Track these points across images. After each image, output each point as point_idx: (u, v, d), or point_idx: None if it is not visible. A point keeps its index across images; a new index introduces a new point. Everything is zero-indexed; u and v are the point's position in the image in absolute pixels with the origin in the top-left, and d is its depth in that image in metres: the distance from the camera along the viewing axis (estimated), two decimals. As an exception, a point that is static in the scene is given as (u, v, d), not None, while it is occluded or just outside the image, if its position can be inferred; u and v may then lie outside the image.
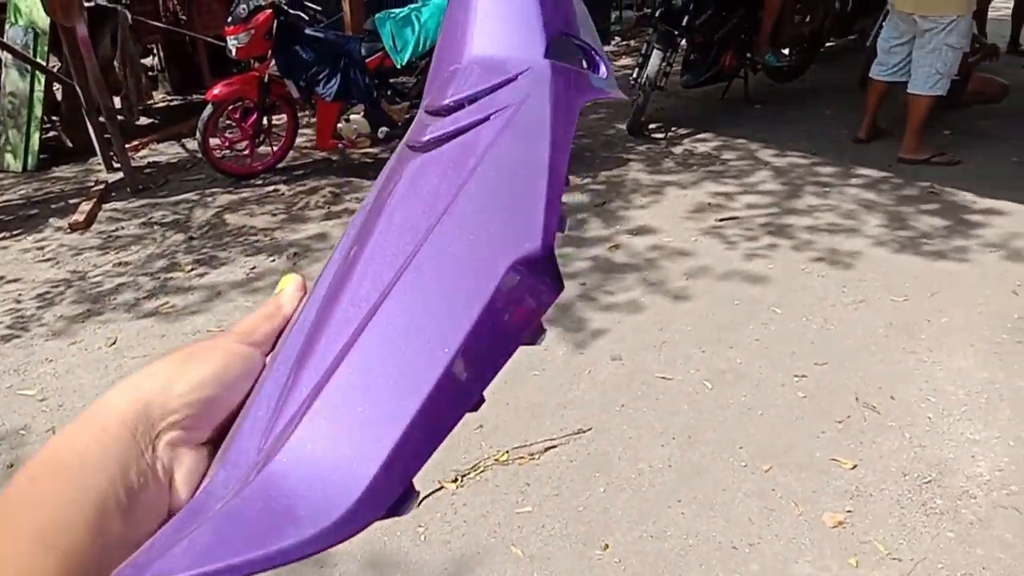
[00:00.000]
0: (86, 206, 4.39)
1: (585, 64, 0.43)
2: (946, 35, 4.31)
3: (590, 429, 2.45)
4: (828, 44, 6.62)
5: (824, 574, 1.91)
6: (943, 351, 2.77)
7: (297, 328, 0.37)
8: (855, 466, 2.25)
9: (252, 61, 4.58)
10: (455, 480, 2.25)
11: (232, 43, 4.35)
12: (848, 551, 1.98)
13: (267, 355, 0.39)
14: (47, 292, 3.52)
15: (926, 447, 2.32)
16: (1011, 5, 7.37)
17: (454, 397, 0.31)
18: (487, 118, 0.38)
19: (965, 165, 4.49)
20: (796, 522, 2.07)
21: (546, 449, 2.37)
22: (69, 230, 4.17)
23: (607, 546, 2.02)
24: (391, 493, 0.29)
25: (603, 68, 0.44)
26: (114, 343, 3.07)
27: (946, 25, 4.28)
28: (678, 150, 5.02)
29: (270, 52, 4.39)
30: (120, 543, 0.30)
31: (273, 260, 3.72)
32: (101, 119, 4.78)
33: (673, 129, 5.43)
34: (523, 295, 0.33)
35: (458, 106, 0.40)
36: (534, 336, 0.34)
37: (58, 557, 0.28)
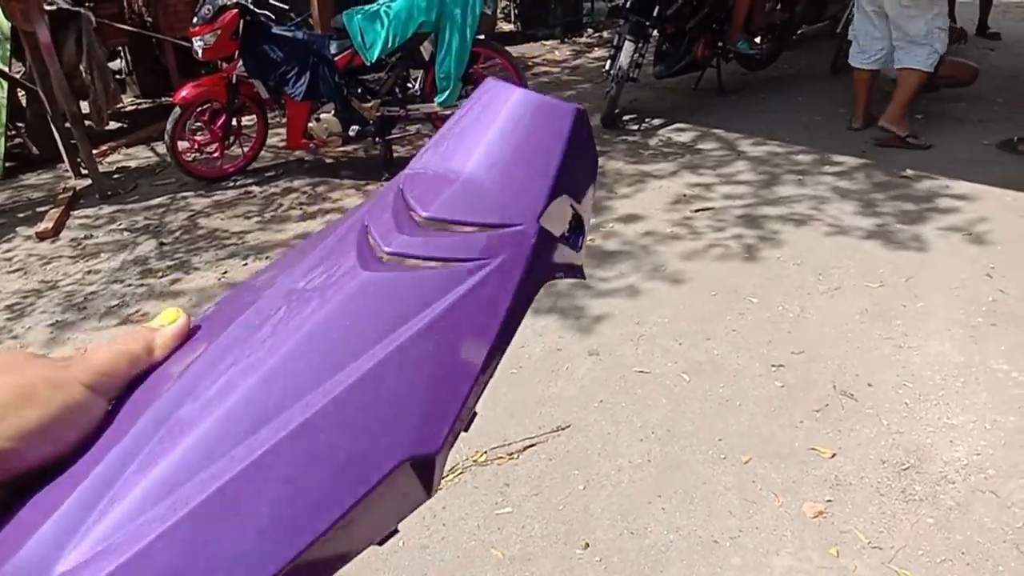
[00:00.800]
0: (54, 213, 4.32)
1: (568, 232, 0.40)
2: (934, 19, 4.41)
3: (569, 426, 2.43)
4: (799, 31, 6.63)
5: (805, 565, 1.91)
6: (919, 336, 2.78)
7: (155, 395, 0.34)
8: (834, 455, 2.25)
9: (219, 62, 4.51)
10: (433, 483, 2.22)
11: (198, 44, 4.29)
12: (829, 541, 1.97)
13: (111, 400, 0.35)
14: (16, 303, 3.46)
15: (904, 433, 2.33)
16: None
17: None
18: (454, 260, 0.36)
19: (937, 149, 4.51)
20: (776, 513, 2.06)
21: (525, 448, 2.35)
22: (37, 239, 4.09)
23: (588, 545, 2.00)
24: None
25: (581, 241, 0.41)
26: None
27: (933, 11, 4.38)
28: (653, 141, 5.01)
29: (237, 52, 4.33)
30: None
31: (247, 263, 3.67)
32: (67, 125, 4.69)
33: (648, 120, 5.42)
34: (398, 493, 0.33)
35: (436, 221, 0.37)
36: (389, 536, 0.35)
37: None
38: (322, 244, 0.39)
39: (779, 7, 6.01)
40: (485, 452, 2.33)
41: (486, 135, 0.39)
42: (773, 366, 2.66)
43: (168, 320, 0.37)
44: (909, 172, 4.22)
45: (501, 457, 2.32)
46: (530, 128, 0.38)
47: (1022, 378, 2.53)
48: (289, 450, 0.31)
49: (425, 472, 0.33)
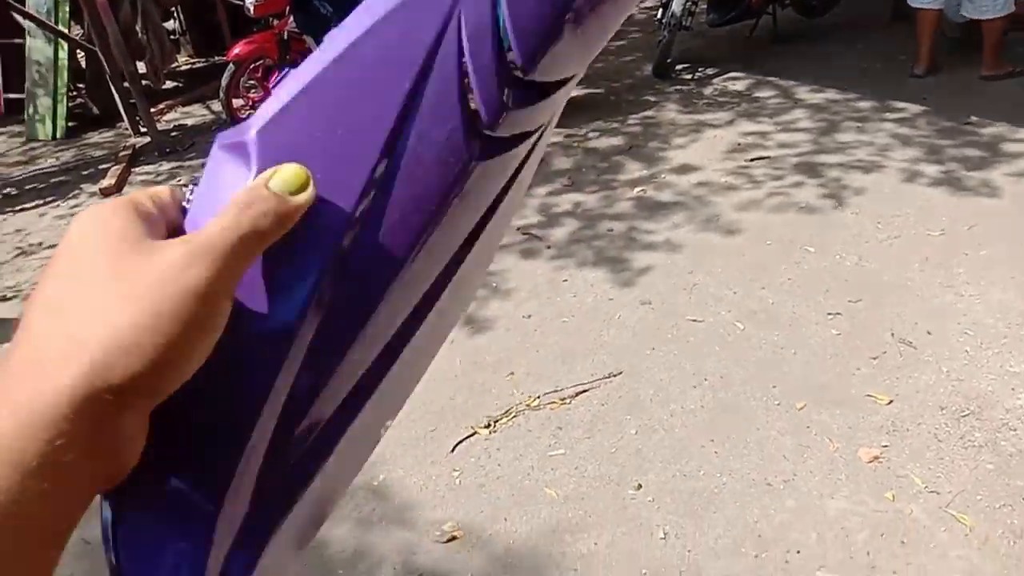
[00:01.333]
0: (116, 170, 4.44)
1: None
2: None
3: (620, 373, 2.45)
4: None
5: (861, 508, 1.91)
6: (981, 284, 2.71)
7: None
8: (891, 401, 2.23)
9: (271, 19, 4.55)
10: (487, 426, 2.27)
11: (250, 1, 4.32)
12: (884, 485, 1.96)
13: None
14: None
15: (964, 381, 2.29)
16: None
17: None
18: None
19: (1002, 95, 4.34)
20: (831, 458, 2.06)
21: (577, 394, 2.37)
22: (102, 195, 4.22)
23: (640, 486, 2.03)
24: None
25: None
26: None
27: None
28: (707, 90, 4.92)
29: (288, 8, 4.36)
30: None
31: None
32: (125, 84, 4.80)
33: (701, 69, 5.31)
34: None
35: None
36: None
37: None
38: None
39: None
40: (538, 397, 2.37)
41: None
42: (829, 314, 2.63)
43: (298, 183, 0.30)
44: (973, 119, 4.08)
45: (554, 402, 2.35)
46: None
47: (1090, 326, 2.46)
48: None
49: None
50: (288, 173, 0.30)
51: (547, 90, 0.37)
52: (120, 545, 0.30)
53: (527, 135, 0.37)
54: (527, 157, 0.39)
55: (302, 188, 0.30)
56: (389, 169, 0.33)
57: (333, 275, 0.31)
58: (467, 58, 0.34)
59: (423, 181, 0.33)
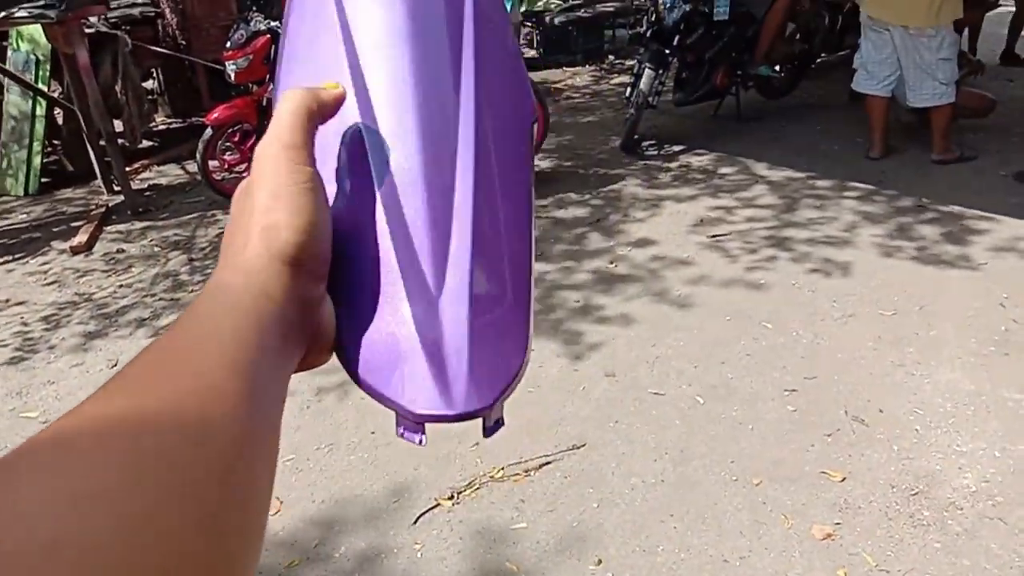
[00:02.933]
0: (88, 228, 4.45)
1: None
2: (938, 50, 4.52)
3: (584, 445, 2.50)
4: (818, 61, 6.70)
5: (813, 585, 1.96)
6: (931, 364, 2.82)
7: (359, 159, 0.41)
8: (844, 479, 2.30)
9: (251, 84, 4.65)
10: (451, 497, 2.29)
11: (231, 68, 4.43)
12: (837, 563, 2.02)
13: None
14: (52, 314, 3.58)
15: (914, 459, 2.37)
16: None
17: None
18: None
19: (954, 179, 4.55)
20: (786, 535, 2.11)
21: (541, 465, 2.41)
22: (72, 253, 4.23)
23: (600, 561, 2.06)
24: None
25: None
26: (115, 365, 3.12)
27: (937, 41, 4.48)
28: (673, 166, 5.09)
29: (268, 76, 4.46)
30: (286, 364, 0.35)
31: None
32: (102, 142, 4.85)
33: (666, 146, 5.50)
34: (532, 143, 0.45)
35: None
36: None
37: (248, 383, 0.30)
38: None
39: (798, 36, 6.09)
40: (502, 468, 2.40)
41: None
42: (786, 391, 2.71)
43: (331, 87, 0.40)
44: (925, 201, 4.27)
45: (517, 474, 2.38)
46: None
47: (1033, 407, 2.57)
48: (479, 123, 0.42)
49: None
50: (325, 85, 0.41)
51: None
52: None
53: None
54: None
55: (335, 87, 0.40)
56: None
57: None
58: None
59: None
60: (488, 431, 0.37)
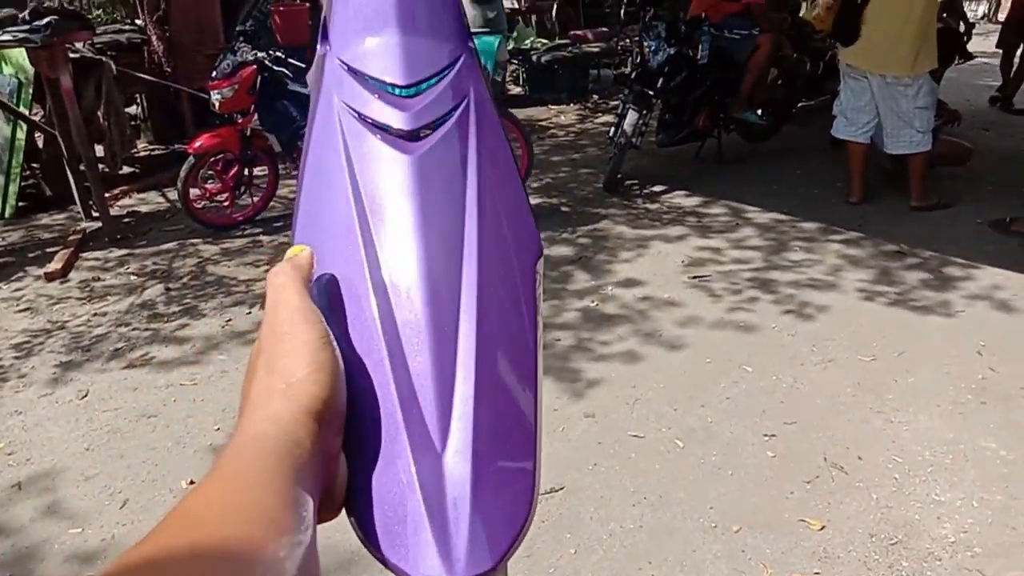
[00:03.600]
0: (64, 255, 4.39)
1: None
2: (915, 99, 4.62)
3: (562, 488, 2.46)
4: (799, 105, 6.80)
5: (792, 637, 1.93)
6: (909, 411, 2.83)
7: (359, 322, 0.42)
8: (823, 527, 2.28)
9: (235, 114, 4.64)
10: (427, 540, 2.24)
11: (216, 97, 4.43)
12: (815, 614, 1.99)
13: None
14: (24, 342, 3.51)
15: (892, 508, 2.36)
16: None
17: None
18: (454, 109, 0.46)
19: (932, 226, 4.61)
20: (765, 584, 2.09)
21: (518, 508, 2.37)
22: (46, 279, 4.16)
23: (577, 608, 2.02)
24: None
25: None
26: (85, 396, 3.05)
27: (914, 90, 4.57)
28: (654, 207, 5.12)
29: (253, 106, 4.46)
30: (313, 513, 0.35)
31: (251, 312, 3.73)
32: (81, 168, 4.80)
33: (648, 186, 5.54)
34: (539, 281, 0.46)
35: (411, 87, 0.47)
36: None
37: (296, 515, 0.33)
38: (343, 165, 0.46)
39: (780, 81, 6.19)
40: (479, 511, 2.36)
41: (382, 7, 0.48)
42: (765, 436, 2.70)
43: (297, 252, 0.44)
44: (903, 247, 4.31)
45: (494, 516, 2.34)
46: None
47: (1010, 457, 2.57)
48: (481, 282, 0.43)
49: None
50: (290, 251, 0.45)
51: None
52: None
53: None
54: None
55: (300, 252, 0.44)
56: None
57: None
58: None
59: None
60: None
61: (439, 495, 0.38)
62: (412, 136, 0.45)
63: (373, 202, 0.44)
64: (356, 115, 0.46)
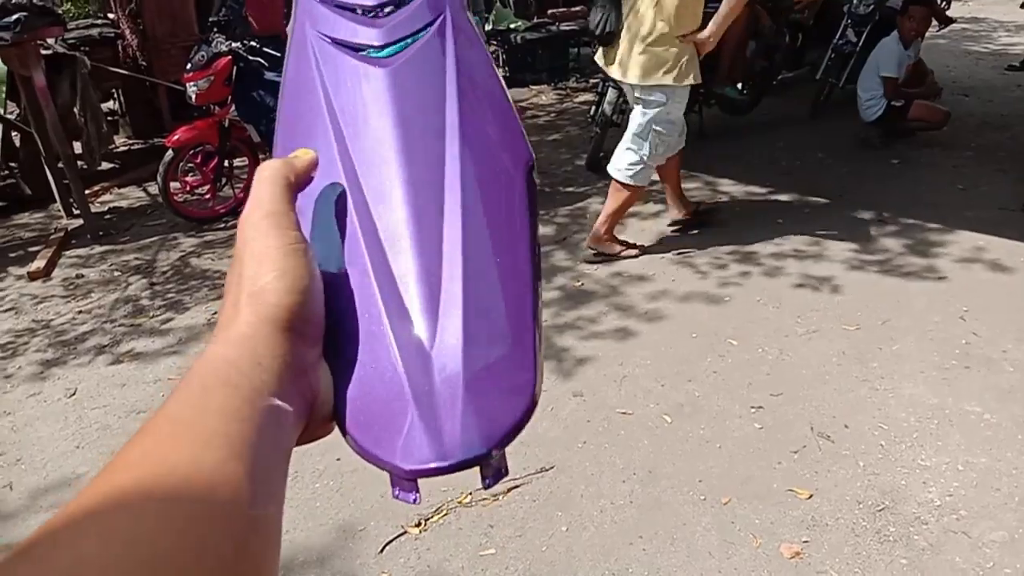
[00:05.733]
0: (46, 253, 4.36)
1: None
2: (660, 114, 3.63)
3: (552, 467, 2.48)
4: (779, 78, 6.80)
5: (782, 605, 1.96)
6: (894, 379, 2.86)
7: (351, 233, 0.41)
8: (811, 496, 2.31)
9: (212, 106, 4.60)
10: (418, 524, 2.26)
11: (192, 89, 4.38)
12: (805, 581, 2.02)
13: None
14: (9, 342, 3.49)
15: (879, 474, 2.39)
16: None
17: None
18: (428, 25, 0.47)
19: (913, 193, 4.63)
20: (755, 554, 2.11)
21: (509, 489, 2.39)
22: (29, 278, 4.13)
23: (570, 585, 2.05)
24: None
25: None
26: (74, 394, 3.05)
27: (655, 102, 3.61)
28: (637, 184, 5.11)
29: (230, 97, 4.43)
30: (284, 441, 0.34)
31: (236, 305, 3.71)
32: (60, 165, 4.76)
33: (632, 163, 5.52)
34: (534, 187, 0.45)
35: (381, 7, 0.47)
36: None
37: (246, 464, 0.30)
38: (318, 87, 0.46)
39: (760, 55, 6.17)
40: (470, 494, 2.38)
41: None
42: (752, 408, 2.72)
43: (303, 153, 0.42)
44: (886, 215, 4.33)
45: (486, 499, 2.36)
46: None
47: (993, 420, 2.61)
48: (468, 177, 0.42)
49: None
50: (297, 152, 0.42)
51: None
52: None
53: None
54: None
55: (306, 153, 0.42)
56: None
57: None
58: None
59: None
60: (487, 481, 0.37)
61: (429, 389, 0.37)
62: (385, 51, 0.45)
63: (350, 116, 0.44)
64: (328, 39, 0.46)
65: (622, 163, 3.75)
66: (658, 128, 3.65)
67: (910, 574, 2.03)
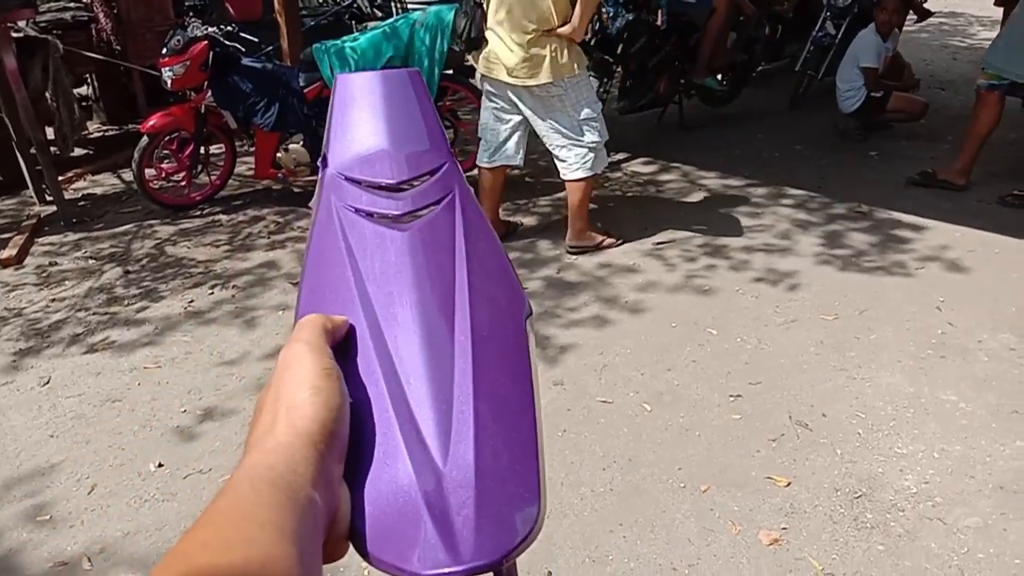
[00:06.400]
0: (18, 240, 4.28)
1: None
2: (582, 106, 3.60)
3: (533, 456, 2.47)
4: (759, 69, 6.83)
5: (761, 591, 1.97)
6: (871, 367, 2.88)
7: (366, 369, 0.46)
8: (789, 483, 2.32)
9: (188, 92, 4.54)
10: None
11: (167, 74, 4.32)
12: (784, 568, 2.03)
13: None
14: (-22, 331, 3.43)
15: (856, 462, 2.41)
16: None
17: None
18: (440, 200, 0.54)
19: (891, 185, 4.67)
20: (734, 541, 2.12)
21: (489, 477, 2.38)
22: (1, 266, 4.06)
23: (550, 573, 2.04)
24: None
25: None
26: (47, 382, 3.00)
27: (557, 95, 3.56)
28: (616, 174, 5.12)
29: (206, 83, 4.37)
30: (318, 537, 0.37)
31: (212, 292, 3.68)
32: (32, 151, 4.68)
33: (611, 154, 5.52)
34: (532, 334, 0.51)
35: (402, 184, 0.55)
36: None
37: (295, 547, 0.34)
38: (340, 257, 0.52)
39: (740, 46, 6.19)
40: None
41: (371, 115, 0.57)
42: (731, 396, 2.74)
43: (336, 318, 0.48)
44: (863, 207, 4.37)
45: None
46: (391, 98, 0.58)
47: (969, 408, 2.64)
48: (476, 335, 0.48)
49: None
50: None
51: None
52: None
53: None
54: None
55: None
56: None
57: None
58: None
59: None
60: None
61: (443, 504, 0.40)
62: (404, 219, 0.52)
63: (370, 273, 0.50)
64: (352, 209, 0.53)
65: (572, 162, 3.70)
66: (584, 114, 3.61)
67: (887, 560, 2.05)
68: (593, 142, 3.66)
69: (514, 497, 0.41)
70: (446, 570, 0.37)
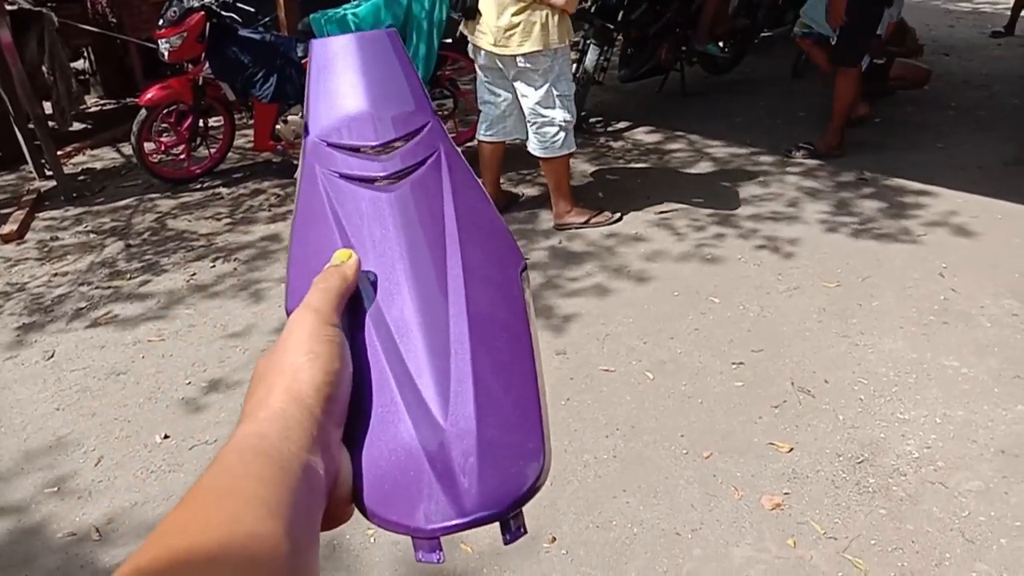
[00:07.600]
0: (19, 216, 4.28)
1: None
2: (557, 82, 3.56)
3: (536, 424, 2.48)
4: (761, 36, 6.76)
5: (764, 555, 1.99)
6: (874, 334, 2.88)
7: (374, 322, 0.46)
8: (791, 449, 2.34)
9: (185, 63, 4.50)
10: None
11: (164, 46, 4.28)
12: (786, 532, 2.05)
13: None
14: (-19, 306, 3.43)
15: (858, 428, 2.42)
16: None
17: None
18: (425, 159, 0.53)
19: (894, 152, 4.64)
20: (736, 506, 2.14)
21: (493, 446, 2.39)
22: (2, 241, 4.06)
23: (555, 539, 2.06)
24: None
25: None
26: (52, 356, 3.01)
27: (542, 68, 3.51)
28: (618, 144, 5.09)
29: (203, 54, 4.33)
30: (316, 505, 0.37)
31: (214, 265, 3.67)
32: (30, 126, 4.65)
33: (613, 123, 5.50)
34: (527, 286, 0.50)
35: (386, 146, 0.54)
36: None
37: (283, 522, 0.33)
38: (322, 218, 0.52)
39: (741, 12, 6.13)
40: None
41: (350, 79, 0.57)
42: (733, 364, 2.74)
43: (345, 257, 0.47)
44: (867, 174, 4.35)
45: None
46: (370, 59, 0.57)
47: (971, 373, 2.64)
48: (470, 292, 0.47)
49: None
50: (337, 254, 0.47)
51: None
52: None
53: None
54: None
55: (348, 257, 0.47)
56: None
57: None
58: None
59: None
60: (507, 537, 0.39)
61: (445, 458, 0.39)
62: (390, 180, 0.52)
63: (359, 236, 0.49)
64: (337, 174, 0.52)
65: (544, 140, 3.66)
66: (558, 90, 3.57)
67: (889, 524, 2.06)
68: (565, 120, 3.62)
69: (517, 447, 0.40)
70: (452, 523, 0.37)
